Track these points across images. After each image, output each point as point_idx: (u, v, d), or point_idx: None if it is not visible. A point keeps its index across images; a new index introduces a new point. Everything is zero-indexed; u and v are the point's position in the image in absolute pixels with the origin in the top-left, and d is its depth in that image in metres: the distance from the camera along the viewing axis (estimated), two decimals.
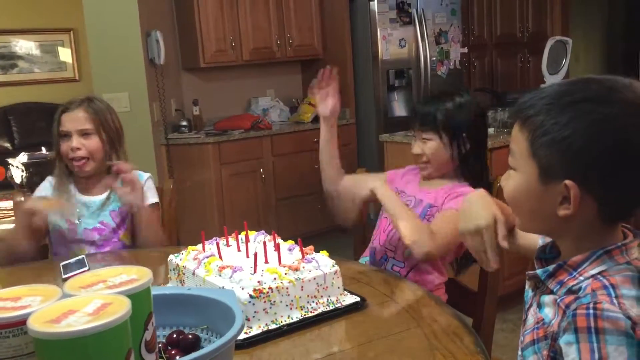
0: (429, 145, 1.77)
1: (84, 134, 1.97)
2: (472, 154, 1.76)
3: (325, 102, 1.88)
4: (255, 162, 4.43)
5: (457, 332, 1.19)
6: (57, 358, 0.55)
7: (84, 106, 1.99)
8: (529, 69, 5.86)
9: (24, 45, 7.83)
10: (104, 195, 2.04)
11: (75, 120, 1.97)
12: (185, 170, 4.29)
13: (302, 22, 4.81)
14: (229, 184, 4.31)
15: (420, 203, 1.80)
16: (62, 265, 1.70)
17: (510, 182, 1.00)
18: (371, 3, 4.65)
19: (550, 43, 4.29)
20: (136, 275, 0.70)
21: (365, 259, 1.89)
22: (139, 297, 0.67)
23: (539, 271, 0.99)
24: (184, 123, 4.40)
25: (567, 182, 0.90)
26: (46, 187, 2.07)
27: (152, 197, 2.10)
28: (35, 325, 0.56)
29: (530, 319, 1.03)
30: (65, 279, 1.63)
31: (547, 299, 0.97)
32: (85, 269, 1.66)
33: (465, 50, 5.20)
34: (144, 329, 0.67)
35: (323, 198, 4.44)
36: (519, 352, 1.03)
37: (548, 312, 0.96)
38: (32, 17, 7.61)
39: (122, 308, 0.59)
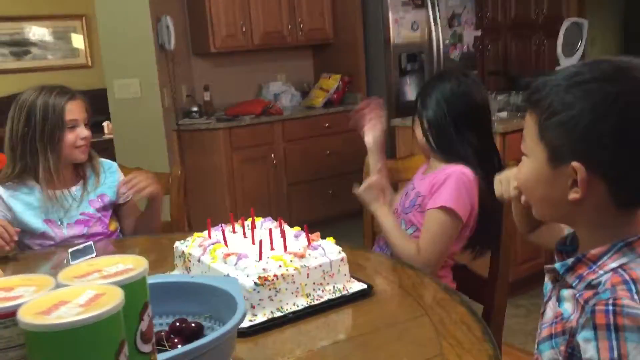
0: (416, 131, 1.81)
1: (85, 123, 1.97)
2: (433, 132, 1.74)
3: (369, 132, 1.88)
4: (266, 148, 4.41)
5: (465, 321, 1.17)
6: (47, 350, 0.54)
7: (80, 95, 1.98)
8: (544, 51, 5.77)
9: (37, 32, 7.85)
10: (79, 185, 2.01)
11: (80, 108, 1.95)
12: (196, 156, 4.29)
13: (313, 6, 4.77)
14: (240, 169, 4.30)
15: (412, 191, 1.80)
16: (70, 252, 1.70)
17: (522, 168, 0.98)
18: None
19: (565, 25, 4.21)
20: (132, 264, 0.68)
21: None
22: (133, 287, 0.66)
23: (557, 265, 0.96)
24: (195, 109, 4.39)
25: (574, 164, 0.87)
26: None
27: (129, 194, 2.09)
28: (25, 316, 0.55)
29: (549, 313, 1.00)
30: None
31: (566, 293, 0.95)
32: (93, 255, 1.66)
33: (479, 33, 5.13)
34: (140, 320, 0.66)
35: (334, 184, 4.45)
36: (535, 346, 1.01)
37: (567, 307, 0.93)
38: (45, 4, 7.62)
39: (114, 299, 0.58)
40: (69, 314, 0.56)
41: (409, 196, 1.81)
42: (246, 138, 4.31)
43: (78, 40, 8.07)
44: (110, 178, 2.07)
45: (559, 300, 0.95)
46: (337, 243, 1.37)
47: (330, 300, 1.27)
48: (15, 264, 1.78)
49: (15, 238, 1.77)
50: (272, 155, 4.43)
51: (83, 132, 1.94)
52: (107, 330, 0.57)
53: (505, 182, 1.20)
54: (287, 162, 4.50)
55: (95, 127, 3.99)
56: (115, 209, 2.10)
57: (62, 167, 1.96)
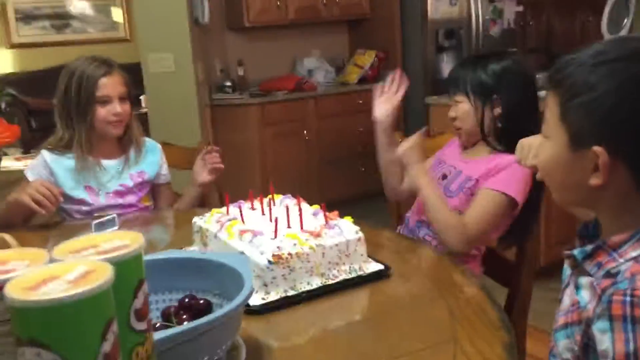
0: (459, 107, 1.71)
1: (121, 97, 1.95)
2: (508, 119, 1.67)
3: (380, 105, 1.83)
4: (299, 124, 4.39)
5: (482, 305, 1.14)
6: (32, 326, 0.54)
7: (118, 69, 1.97)
8: (590, 28, 5.56)
9: (77, 5, 7.95)
10: (122, 159, 2.03)
11: (116, 84, 1.94)
12: (228, 132, 4.30)
13: None
14: (272, 145, 4.30)
15: (459, 175, 1.74)
16: (95, 224, 1.72)
17: (542, 151, 0.94)
18: None
19: (611, 1, 4.04)
20: (129, 241, 0.68)
21: None
22: (127, 264, 0.65)
23: (575, 251, 0.92)
24: (228, 84, 4.39)
25: (596, 148, 0.83)
26: (37, 167, 1.97)
27: (168, 176, 2.14)
28: (12, 291, 0.55)
29: (566, 300, 0.96)
30: None
31: (584, 280, 0.90)
32: (115, 228, 1.68)
33: (521, 8, 4.97)
34: (134, 297, 0.65)
35: (366, 161, 4.40)
36: (552, 333, 0.97)
37: (585, 295, 0.89)
38: None
39: (103, 276, 0.57)
40: (55, 290, 0.55)
41: (452, 178, 1.75)
42: (279, 114, 4.30)
43: (117, 14, 8.15)
44: (152, 157, 2.09)
45: (577, 287, 0.91)
46: (358, 222, 1.35)
47: (345, 281, 1.25)
48: (56, 231, 1.84)
49: (61, 199, 1.83)
50: (305, 132, 4.41)
51: (115, 108, 1.93)
52: (93, 308, 0.56)
53: (527, 149, 1.16)
54: (319, 139, 4.48)
55: (135, 100, 4.01)
56: (153, 188, 2.12)
57: (99, 139, 1.98)
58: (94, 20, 8.06)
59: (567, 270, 0.98)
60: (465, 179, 1.70)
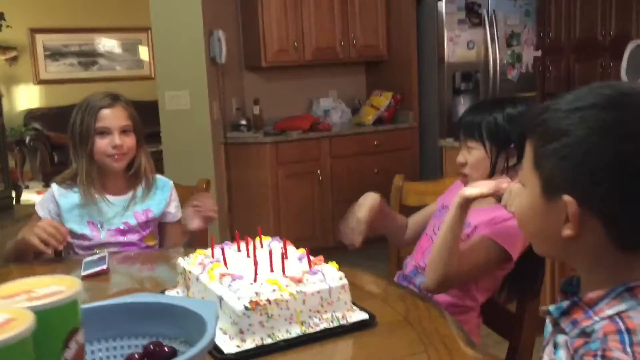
0: (472, 153, 1.63)
1: (123, 131, 1.95)
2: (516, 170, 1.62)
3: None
4: (313, 164, 4.38)
5: None
6: None
7: (122, 103, 1.98)
8: (610, 74, 5.51)
9: (106, 44, 8.16)
10: (128, 195, 2.01)
11: (117, 117, 1.94)
12: (242, 170, 4.30)
13: (367, 22, 4.72)
14: (286, 184, 4.28)
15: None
16: (85, 262, 1.70)
17: (517, 199, 0.89)
18: (439, 4, 4.50)
19: (630, 47, 4.00)
20: (65, 287, 0.64)
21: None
22: (59, 312, 0.62)
23: (551, 307, 0.86)
24: (244, 122, 4.41)
25: (566, 197, 0.78)
26: (44, 202, 1.99)
27: (178, 215, 2.09)
28: None
29: (545, 359, 0.91)
30: (84, 277, 1.64)
31: (561, 339, 0.85)
32: (104, 267, 1.65)
33: (539, 53, 4.95)
34: (64, 347, 0.62)
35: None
36: None
37: (562, 355, 0.84)
38: (115, 16, 7.90)
39: (21, 326, 0.54)
40: None
41: None
42: (293, 153, 4.29)
43: (144, 52, 8.34)
44: (160, 195, 2.06)
45: (555, 346, 0.86)
46: (350, 267, 1.30)
47: (326, 330, 1.20)
48: (61, 265, 1.85)
49: (68, 238, 1.83)
50: (319, 172, 4.39)
51: (114, 140, 1.92)
52: (7, 358, 0.53)
53: (514, 195, 1.11)
54: (333, 179, 4.45)
55: (154, 137, 4.04)
56: (160, 226, 2.09)
57: (103, 173, 1.98)
58: (120, 58, 8.26)
59: (548, 327, 0.92)
60: (465, 225, 1.64)
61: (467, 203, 1.47)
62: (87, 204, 1.95)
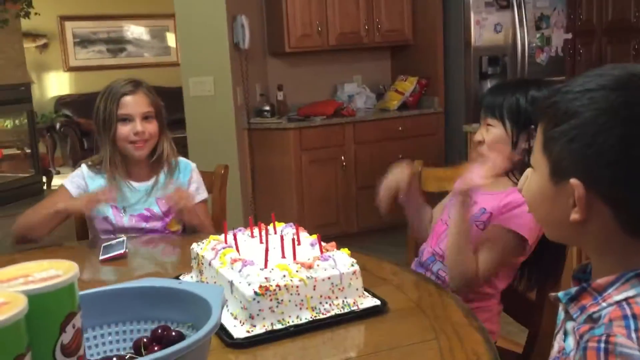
0: (491, 132, 1.59)
1: (145, 117, 1.96)
2: None
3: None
4: (336, 149, 4.36)
5: (477, 350, 1.06)
6: None
7: (144, 89, 1.99)
8: None
9: (134, 31, 8.22)
10: (151, 182, 2.02)
11: (139, 103, 1.95)
12: (265, 155, 4.31)
13: (391, 6, 4.66)
14: (309, 170, 4.27)
15: (474, 205, 1.66)
16: (103, 246, 1.72)
17: (527, 183, 0.88)
18: None
19: None
20: (62, 271, 0.65)
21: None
22: (54, 296, 0.62)
23: (560, 294, 0.85)
24: (267, 108, 4.40)
25: (572, 181, 0.76)
26: (74, 178, 2.02)
27: (201, 193, 2.09)
28: None
29: (555, 346, 0.89)
30: (102, 260, 1.66)
31: (569, 326, 0.84)
32: (122, 251, 1.67)
33: (570, 36, 4.83)
34: (60, 331, 0.62)
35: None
36: None
37: (570, 342, 0.82)
38: (143, 3, 7.94)
39: (12, 310, 0.54)
40: None
41: None
42: (316, 139, 4.28)
43: (172, 39, 8.38)
44: (182, 179, 2.07)
45: (565, 333, 0.84)
46: (365, 254, 1.29)
47: (337, 316, 1.20)
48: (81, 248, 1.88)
49: (115, 196, 1.91)
50: (342, 157, 4.37)
51: (136, 127, 1.93)
52: None
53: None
54: (356, 165, 4.42)
55: (181, 123, 4.07)
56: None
57: (126, 160, 1.99)
58: (148, 44, 8.32)
59: (561, 314, 0.90)
60: (479, 212, 1.62)
61: (466, 197, 1.45)
62: (112, 189, 1.96)
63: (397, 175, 1.74)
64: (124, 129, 1.94)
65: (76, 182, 2.01)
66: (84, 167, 2.03)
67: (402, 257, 2.08)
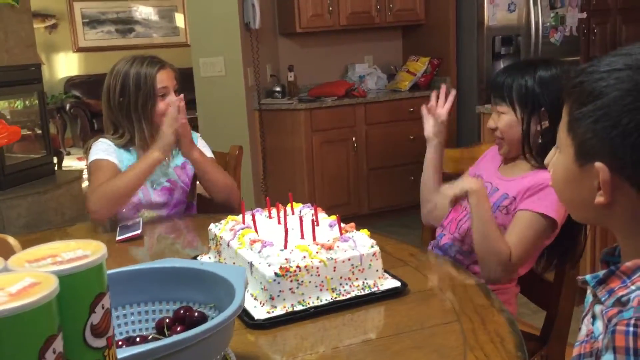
0: (502, 119, 1.60)
1: (175, 91, 1.99)
2: (552, 134, 1.56)
3: (429, 122, 1.78)
4: (347, 130, 4.33)
5: (500, 332, 1.05)
6: None
7: (169, 64, 2.01)
8: None
9: (143, 11, 8.18)
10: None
11: (171, 77, 1.98)
12: (276, 136, 4.29)
13: None
14: (320, 151, 4.25)
15: (495, 192, 1.65)
16: (120, 227, 1.72)
17: (553, 164, 0.86)
18: None
19: None
20: (91, 251, 0.64)
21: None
22: (84, 277, 0.61)
23: (588, 277, 0.83)
24: (278, 89, 4.38)
25: (597, 163, 0.75)
26: (107, 149, 1.96)
27: (207, 153, 2.08)
28: None
29: (583, 330, 0.88)
30: (118, 241, 1.66)
31: (597, 309, 0.82)
32: (137, 232, 1.67)
33: (584, 15, 4.75)
34: (90, 312, 0.62)
35: (416, 170, 4.29)
36: None
37: (599, 325, 0.81)
38: None
39: (44, 290, 0.54)
40: None
41: (489, 195, 1.66)
42: (327, 120, 4.25)
43: (180, 20, 8.33)
44: None
45: (593, 317, 0.83)
46: (384, 235, 1.28)
47: (357, 297, 1.19)
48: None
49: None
50: (353, 139, 4.34)
51: (173, 99, 1.94)
52: (28, 324, 0.53)
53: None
54: (368, 146, 4.40)
55: (189, 104, 4.03)
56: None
57: (156, 134, 1.96)
58: (157, 25, 8.28)
59: (589, 297, 0.89)
60: (501, 197, 1.60)
61: (479, 195, 1.46)
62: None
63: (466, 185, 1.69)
64: (162, 104, 1.95)
65: (111, 152, 1.95)
66: (107, 140, 1.98)
67: (414, 238, 2.07)
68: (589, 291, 0.89)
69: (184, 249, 1.73)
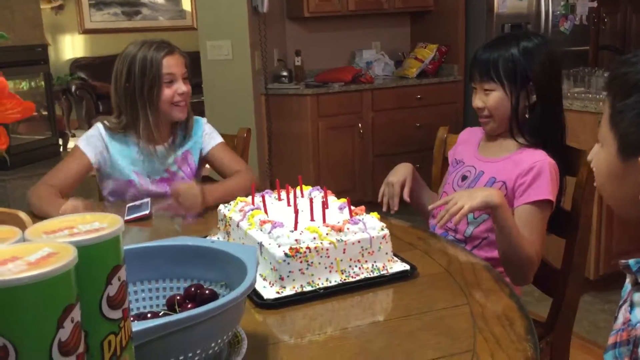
0: (491, 97, 1.59)
1: (184, 78, 1.93)
2: (540, 108, 1.56)
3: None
4: (354, 117, 4.32)
5: (509, 316, 1.06)
6: None
7: (179, 50, 1.95)
8: None
9: None
10: (169, 141, 2.00)
11: (179, 64, 1.91)
12: (282, 121, 4.28)
13: None
14: (326, 137, 4.25)
15: (480, 176, 1.64)
16: (128, 207, 1.72)
17: (595, 158, 0.84)
18: None
19: None
20: (107, 224, 0.64)
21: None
22: (101, 248, 0.62)
23: (631, 261, 0.82)
24: (285, 73, 4.36)
25: None
26: (95, 139, 1.93)
27: (216, 138, 2.05)
28: None
29: (620, 318, 0.87)
30: (127, 221, 1.66)
31: (637, 297, 0.81)
32: (146, 212, 1.67)
33: (595, 4, 4.71)
34: (107, 283, 0.62)
35: (422, 157, 4.30)
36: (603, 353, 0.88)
37: (637, 314, 0.80)
38: None
39: (62, 260, 0.54)
40: (11, 271, 0.52)
41: (473, 180, 1.65)
42: (334, 105, 4.24)
43: (187, 2, 8.29)
44: (195, 137, 2.03)
45: (632, 305, 0.82)
46: (391, 219, 1.28)
47: (366, 279, 1.19)
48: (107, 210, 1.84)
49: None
50: (359, 125, 4.33)
51: (181, 87, 1.90)
52: (47, 292, 0.53)
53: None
54: (374, 132, 4.39)
55: (197, 88, 4.02)
56: (207, 162, 2.06)
57: (162, 123, 1.94)
58: (163, 8, 8.24)
59: (627, 286, 0.88)
60: (489, 181, 1.60)
61: (504, 209, 1.42)
62: (142, 156, 1.93)
63: (398, 175, 1.71)
64: (168, 91, 1.89)
65: (93, 143, 1.92)
66: (100, 127, 1.94)
67: (418, 225, 2.06)
68: (627, 280, 0.88)
69: (193, 229, 1.73)
